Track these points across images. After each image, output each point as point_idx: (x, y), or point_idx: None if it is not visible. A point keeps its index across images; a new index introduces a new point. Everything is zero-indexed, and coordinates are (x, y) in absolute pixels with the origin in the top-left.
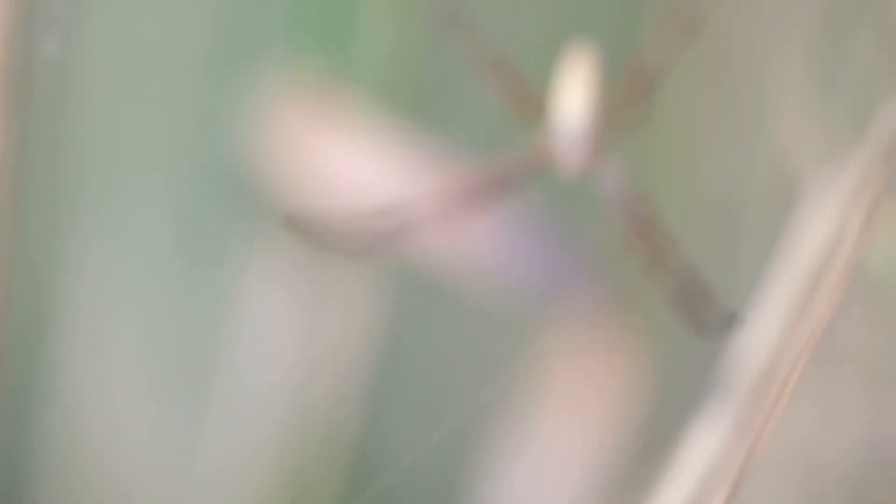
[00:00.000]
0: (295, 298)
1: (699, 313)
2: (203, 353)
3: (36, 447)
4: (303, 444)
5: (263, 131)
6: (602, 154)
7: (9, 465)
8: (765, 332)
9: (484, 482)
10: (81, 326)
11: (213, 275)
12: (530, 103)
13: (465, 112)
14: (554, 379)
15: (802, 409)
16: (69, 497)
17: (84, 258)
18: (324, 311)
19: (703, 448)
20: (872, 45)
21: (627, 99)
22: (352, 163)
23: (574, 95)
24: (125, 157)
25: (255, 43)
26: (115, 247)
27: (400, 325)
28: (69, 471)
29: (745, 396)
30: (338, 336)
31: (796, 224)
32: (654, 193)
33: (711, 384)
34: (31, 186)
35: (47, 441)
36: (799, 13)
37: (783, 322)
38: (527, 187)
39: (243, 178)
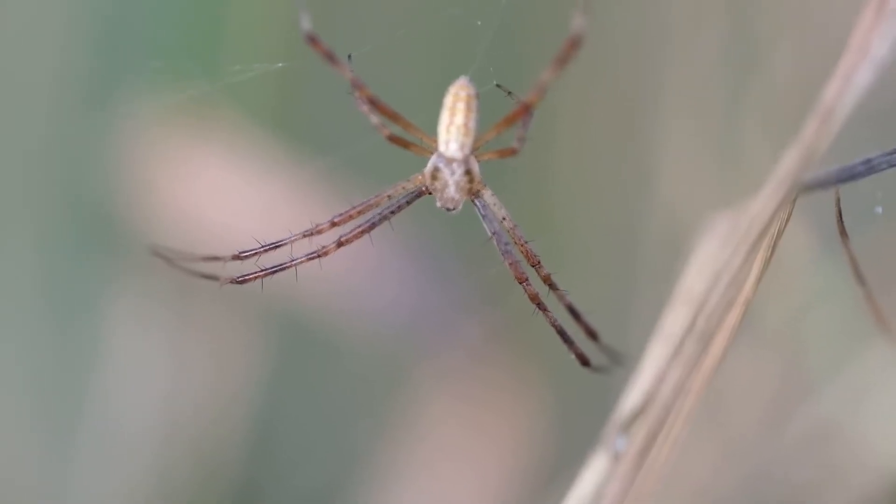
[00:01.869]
0: (164, 335)
1: (582, 350)
2: (74, 389)
3: None
4: (184, 479)
5: (129, 161)
6: (480, 183)
7: None
8: (658, 369)
9: None
10: None
11: (79, 311)
12: (410, 135)
13: (342, 139)
14: (440, 414)
15: (700, 442)
16: None
17: None
18: (195, 349)
19: (598, 482)
20: (763, 101)
21: (504, 128)
22: (225, 190)
23: (452, 126)
24: None
25: (114, 69)
26: None
27: (279, 363)
28: None
29: (641, 430)
30: (212, 372)
31: (689, 267)
32: (552, 233)
33: (608, 419)
34: None
35: None
36: (693, 68)
37: (677, 360)
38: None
39: (108, 212)
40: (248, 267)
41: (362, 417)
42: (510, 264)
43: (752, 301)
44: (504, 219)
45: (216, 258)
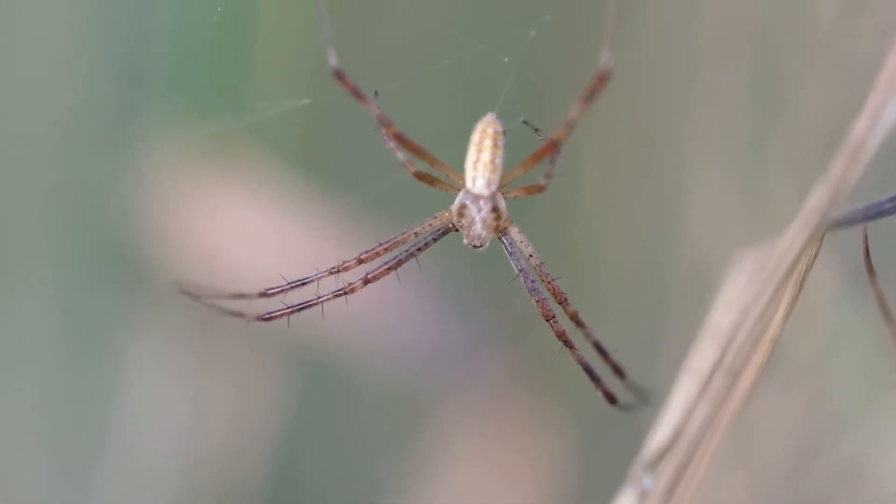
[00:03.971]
0: (185, 372)
1: (609, 387)
2: (94, 426)
3: None
4: None
5: (152, 197)
6: (506, 220)
7: None
8: (686, 406)
9: None
10: None
11: (100, 348)
12: (436, 171)
13: (368, 176)
14: (463, 452)
15: (727, 480)
16: None
17: None
18: (217, 386)
19: None
20: (791, 138)
21: (532, 166)
22: (250, 226)
23: (479, 163)
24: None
25: (138, 105)
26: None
27: (302, 400)
28: None
29: (668, 468)
30: (235, 410)
31: (717, 304)
32: (579, 270)
33: (634, 458)
34: None
35: None
36: (720, 104)
37: (704, 396)
38: (434, 256)
39: (130, 249)
40: (273, 304)
41: (385, 455)
42: (537, 301)
43: (779, 338)
44: (531, 256)
45: (242, 295)
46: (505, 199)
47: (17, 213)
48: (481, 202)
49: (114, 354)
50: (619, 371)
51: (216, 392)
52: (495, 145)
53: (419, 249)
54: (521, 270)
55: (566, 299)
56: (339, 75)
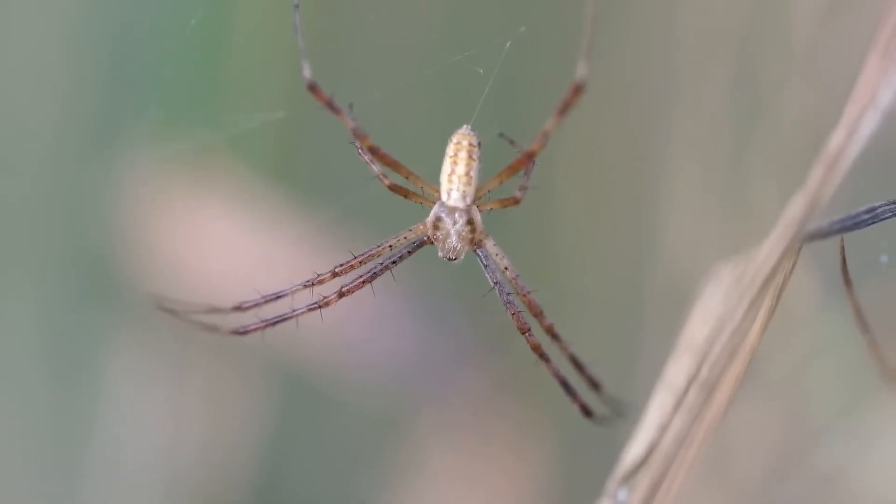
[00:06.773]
0: (164, 386)
1: (585, 401)
2: (75, 442)
3: None
4: None
5: (130, 211)
6: (482, 233)
7: None
8: (661, 419)
9: None
10: None
11: (79, 363)
12: (411, 184)
13: (344, 188)
14: (442, 465)
15: (704, 493)
16: None
17: None
18: (196, 400)
19: None
20: (768, 149)
21: (507, 178)
22: (225, 240)
23: (454, 176)
24: None
25: (115, 120)
26: None
27: (280, 414)
28: None
29: (643, 481)
30: (214, 424)
31: (693, 316)
32: (555, 283)
33: (611, 470)
34: None
35: None
36: (698, 116)
37: (680, 409)
38: (409, 267)
39: (108, 263)
40: (248, 318)
41: (364, 469)
42: (512, 314)
43: (756, 350)
44: (506, 269)
45: (217, 309)
46: (480, 211)
47: None
48: (456, 215)
49: (94, 368)
50: (594, 384)
51: (196, 406)
52: (470, 157)
53: (394, 262)
54: (496, 283)
55: (542, 312)
56: (313, 88)
